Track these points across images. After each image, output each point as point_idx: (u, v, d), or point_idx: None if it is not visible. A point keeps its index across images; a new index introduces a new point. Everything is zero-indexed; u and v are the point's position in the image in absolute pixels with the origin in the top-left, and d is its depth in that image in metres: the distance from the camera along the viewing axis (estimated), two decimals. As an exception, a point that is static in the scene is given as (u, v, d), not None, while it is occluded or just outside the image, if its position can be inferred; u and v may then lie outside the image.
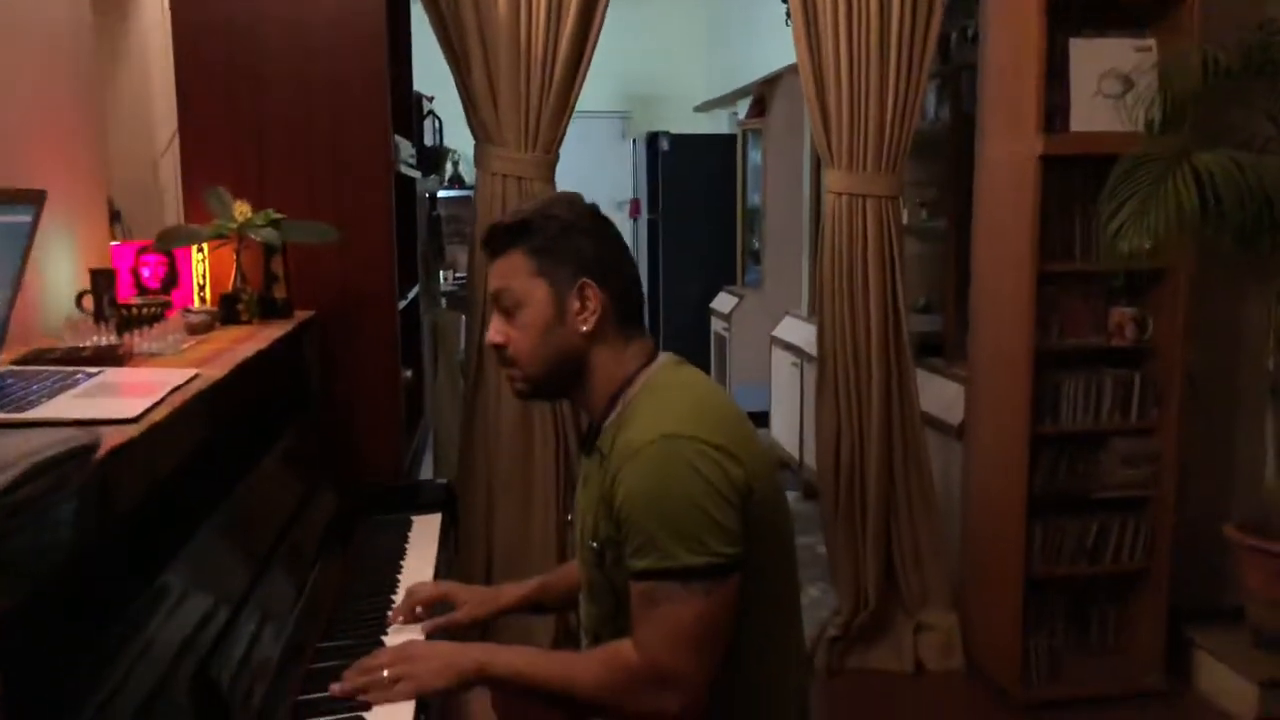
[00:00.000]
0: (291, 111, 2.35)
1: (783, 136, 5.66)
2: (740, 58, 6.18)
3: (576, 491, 1.56)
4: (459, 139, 4.07)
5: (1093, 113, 2.76)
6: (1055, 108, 2.76)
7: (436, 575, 1.88)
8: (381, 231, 2.41)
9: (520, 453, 2.97)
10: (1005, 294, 2.86)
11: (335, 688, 1.36)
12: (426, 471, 3.14)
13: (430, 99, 4.06)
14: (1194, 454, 2.98)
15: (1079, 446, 2.89)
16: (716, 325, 6.36)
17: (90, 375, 1.34)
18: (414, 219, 3.08)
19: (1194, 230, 2.44)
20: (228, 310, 2.10)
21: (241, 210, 2.10)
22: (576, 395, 1.49)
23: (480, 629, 1.79)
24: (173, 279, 2.13)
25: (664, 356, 1.49)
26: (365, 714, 1.33)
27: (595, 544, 1.41)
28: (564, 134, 2.92)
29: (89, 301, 1.76)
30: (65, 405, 1.18)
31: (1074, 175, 2.79)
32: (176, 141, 2.36)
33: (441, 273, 4.35)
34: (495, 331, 1.47)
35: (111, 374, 1.38)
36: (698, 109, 7.50)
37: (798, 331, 4.94)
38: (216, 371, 1.48)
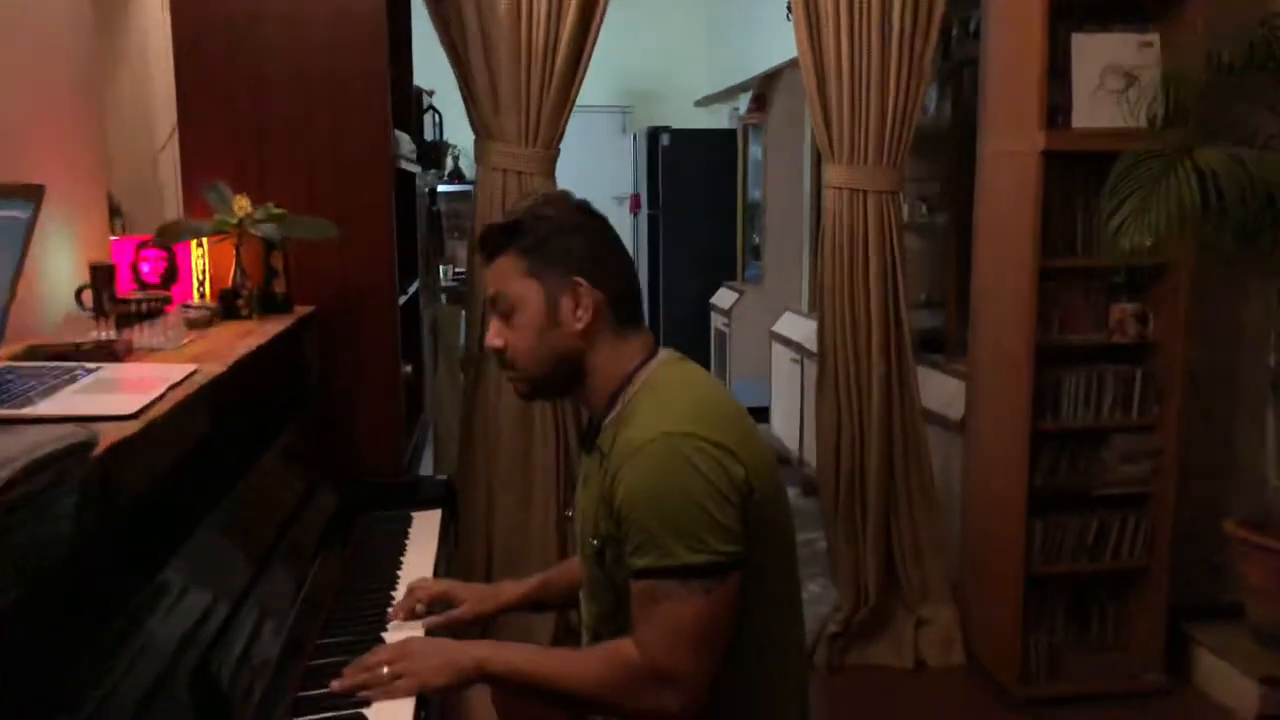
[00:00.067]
0: (291, 107, 2.34)
1: (783, 131, 5.66)
2: (741, 53, 6.17)
3: (577, 489, 1.55)
4: (459, 134, 4.06)
5: (1095, 108, 2.75)
6: (1057, 103, 2.75)
7: (436, 571, 1.88)
8: (381, 227, 2.41)
9: (520, 448, 2.97)
10: (1006, 290, 2.85)
11: (335, 684, 1.36)
12: (426, 467, 3.14)
13: (430, 94, 4.06)
14: (1195, 451, 2.98)
15: (1079, 443, 2.89)
16: (717, 321, 6.35)
17: (89, 371, 1.33)
18: (414, 214, 3.08)
19: (1195, 227, 2.43)
20: (227, 305, 2.09)
21: (241, 205, 2.09)
22: (577, 394, 1.49)
23: (481, 627, 1.78)
24: (172, 274, 2.12)
25: (664, 353, 1.49)
26: (365, 711, 1.33)
27: (595, 541, 1.41)
28: (564, 129, 2.91)
29: (88, 297, 1.75)
30: (64, 401, 1.18)
31: (1075, 171, 2.78)
32: (176, 136, 2.35)
33: (441, 268, 4.34)
34: (493, 335, 1.48)
35: (111, 369, 1.38)
36: (698, 104, 7.48)
37: (798, 327, 4.94)
38: (216, 367, 1.48)
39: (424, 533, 2.09)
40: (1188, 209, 2.37)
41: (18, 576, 0.89)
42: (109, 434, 1.05)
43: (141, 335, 1.65)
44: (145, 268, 2.09)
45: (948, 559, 3.14)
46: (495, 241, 1.46)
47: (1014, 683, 2.86)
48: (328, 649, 1.53)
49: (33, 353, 1.44)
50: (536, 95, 2.84)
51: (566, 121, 2.91)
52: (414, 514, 2.19)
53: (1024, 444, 2.78)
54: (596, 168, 7.19)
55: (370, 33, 2.36)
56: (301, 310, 2.23)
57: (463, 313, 3.63)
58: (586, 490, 1.47)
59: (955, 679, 3.05)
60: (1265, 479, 2.93)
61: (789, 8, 3.03)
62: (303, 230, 2.17)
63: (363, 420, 2.42)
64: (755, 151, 6.17)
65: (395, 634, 1.58)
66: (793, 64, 4.16)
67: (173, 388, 1.29)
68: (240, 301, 2.10)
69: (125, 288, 2.01)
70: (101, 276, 1.76)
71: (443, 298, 4.14)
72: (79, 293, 1.76)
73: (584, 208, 1.50)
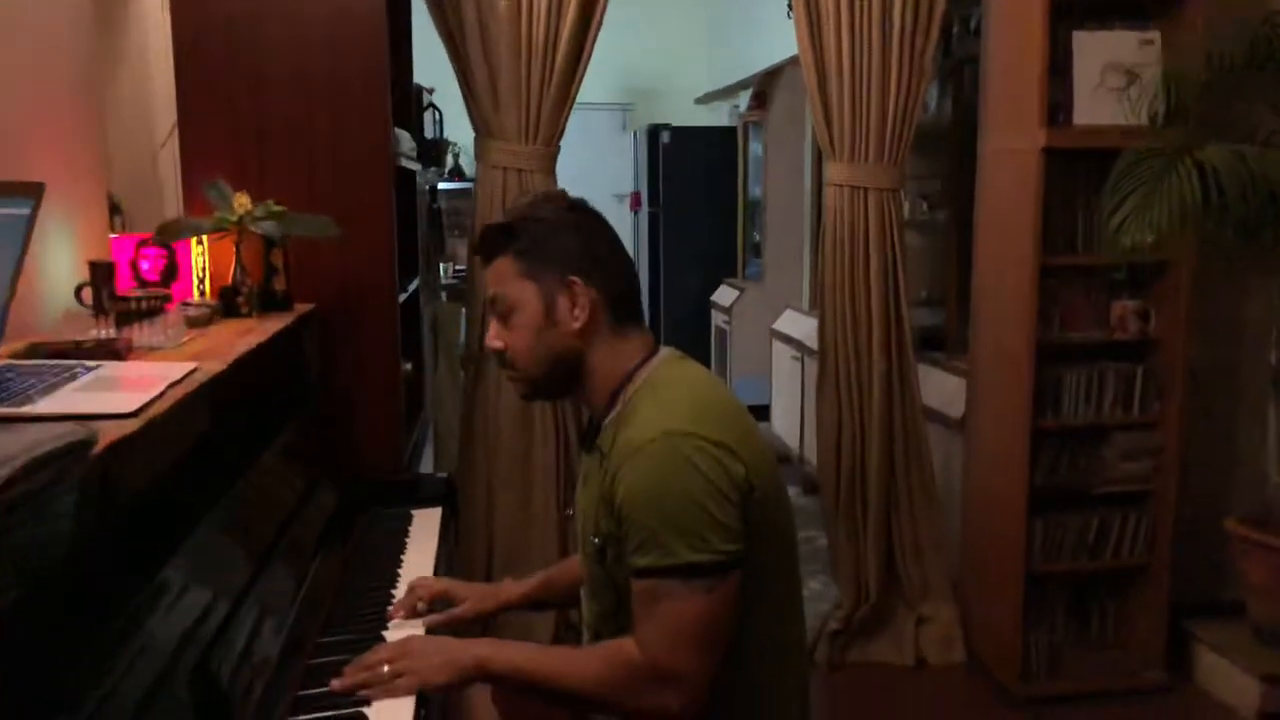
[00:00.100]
0: (291, 105, 2.34)
1: (784, 129, 5.65)
2: (741, 50, 6.17)
3: (577, 488, 1.55)
4: (459, 131, 4.06)
5: (1096, 106, 2.75)
6: (1058, 101, 2.75)
7: (437, 569, 1.88)
8: (382, 224, 2.41)
9: (520, 446, 2.96)
10: (1007, 287, 2.85)
11: (335, 683, 1.36)
12: (427, 465, 3.14)
13: (430, 91, 4.06)
14: (1195, 448, 2.97)
15: (1080, 441, 2.89)
16: (717, 318, 6.35)
17: (89, 369, 1.33)
18: (414, 212, 3.07)
19: (1197, 224, 2.43)
20: (227, 303, 2.09)
21: (241, 203, 2.09)
22: (577, 393, 1.49)
23: (481, 625, 1.78)
24: (172, 272, 2.12)
25: (664, 351, 1.48)
26: (366, 709, 1.33)
27: (596, 540, 1.41)
28: (564, 127, 2.90)
29: (88, 294, 1.75)
30: (64, 400, 1.17)
31: (1076, 168, 2.78)
32: (176, 133, 2.35)
33: (442, 265, 4.34)
34: (493, 336, 1.48)
35: (110, 367, 1.37)
36: (699, 101, 7.48)
37: (798, 325, 4.94)
38: (216, 365, 1.47)
39: (424, 531, 2.09)
40: (1189, 206, 2.37)
41: (18, 576, 0.89)
42: (109, 432, 1.05)
43: (141, 333, 1.65)
44: (145, 265, 2.09)
45: (948, 557, 3.14)
46: (491, 243, 1.47)
47: (1014, 681, 2.86)
48: (328, 647, 1.53)
49: (32, 350, 1.44)
50: (536, 92, 2.83)
51: (567, 119, 2.90)
52: (414, 512, 2.19)
53: (1024, 442, 2.78)
54: (597, 165, 7.18)
55: (370, 30, 2.35)
56: (302, 308, 2.23)
57: (463, 310, 3.63)
58: (587, 489, 1.47)
59: (955, 677, 3.05)
60: (1266, 476, 2.92)
61: (789, 5, 3.02)
62: (303, 228, 2.17)
63: (363, 418, 2.41)
64: (756, 149, 6.16)
65: (396, 632, 1.58)
66: (793, 61, 4.15)
67: (172, 386, 1.29)
68: (240, 299, 2.10)
69: (125, 285, 2.01)
70: (101, 274, 1.75)
71: (443, 295, 4.14)
72: (79, 290, 1.76)
73: (579, 207, 1.50)
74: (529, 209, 1.47)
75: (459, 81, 2.86)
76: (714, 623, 1.30)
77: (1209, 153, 2.41)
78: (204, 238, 2.16)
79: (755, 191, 6.19)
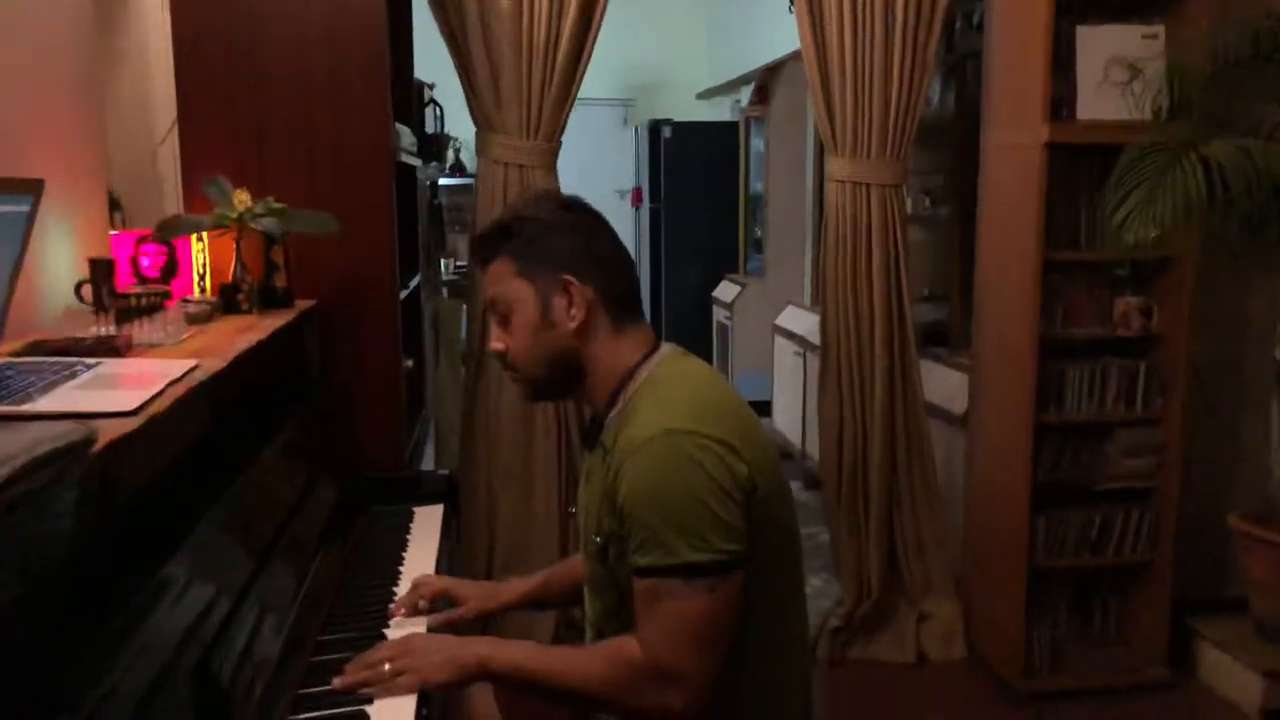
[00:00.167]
0: (291, 100, 2.33)
1: (785, 124, 5.64)
2: (743, 45, 6.15)
3: (579, 486, 1.55)
4: (460, 126, 4.05)
5: (1099, 101, 2.74)
6: (1061, 96, 2.74)
7: (438, 567, 1.88)
8: (382, 220, 2.40)
9: (522, 442, 2.96)
10: (1010, 283, 2.84)
11: (337, 682, 1.36)
12: (428, 462, 3.13)
13: (431, 86, 4.04)
14: (1198, 444, 2.97)
15: (1083, 437, 2.88)
16: (719, 314, 6.35)
17: (89, 367, 1.33)
18: (415, 207, 3.07)
19: (1201, 219, 2.42)
20: (228, 300, 2.08)
21: (241, 199, 2.08)
22: (579, 392, 1.49)
23: (482, 624, 1.78)
24: (172, 268, 2.11)
25: (666, 348, 1.48)
26: (367, 708, 1.32)
27: (598, 539, 1.41)
28: (566, 122, 2.90)
29: (88, 291, 1.74)
30: (64, 398, 1.17)
31: (1080, 164, 2.77)
32: (176, 130, 2.34)
33: (443, 261, 4.33)
34: (494, 339, 1.49)
35: (111, 365, 1.37)
36: (700, 96, 7.46)
37: (800, 320, 4.93)
38: (216, 362, 1.47)
39: (426, 528, 2.09)
40: (1194, 201, 2.36)
41: (18, 574, 0.88)
42: (109, 430, 1.05)
43: (141, 330, 1.64)
44: (145, 262, 2.08)
45: (950, 553, 3.13)
46: (488, 246, 1.47)
47: (1017, 677, 2.86)
48: (329, 645, 1.53)
49: (32, 348, 1.43)
50: (538, 88, 2.83)
51: (568, 114, 2.89)
52: (416, 509, 2.19)
53: (1027, 437, 2.77)
54: (598, 161, 7.18)
55: (370, 26, 2.34)
56: (302, 305, 2.22)
57: (464, 307, 3.63)
58: (589, 487, 1.46)
59: (957, 673, 3.05)
60: (1269, 472, 2.92)
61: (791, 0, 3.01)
62: (303, 224, 2.16)
63: (364, 415, 2.41)
64: (757, 144, 6.16)
65: (397, 630, 1.57)
66: (795, 56, 4.14)
67: (173, 384, 1.28)
68: (240, 296, 2.09)
69: (125, 282, 2.01)
70: (101, 271, 1.75)
71: (444, 291, 4.13)
72: (78, 287, 1.75)
73: (573, 205, 1.50)
74: (523, 209, 1.48)
75: (460, 78, 2.85)
76: (716, 622, 1.29)
77: (1213, 148, 2.40)
78: (204, 234, 2.16)
79: (757, 187, 6.18)
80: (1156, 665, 2.90)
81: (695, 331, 6.34)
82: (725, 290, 6.25)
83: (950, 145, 3.75)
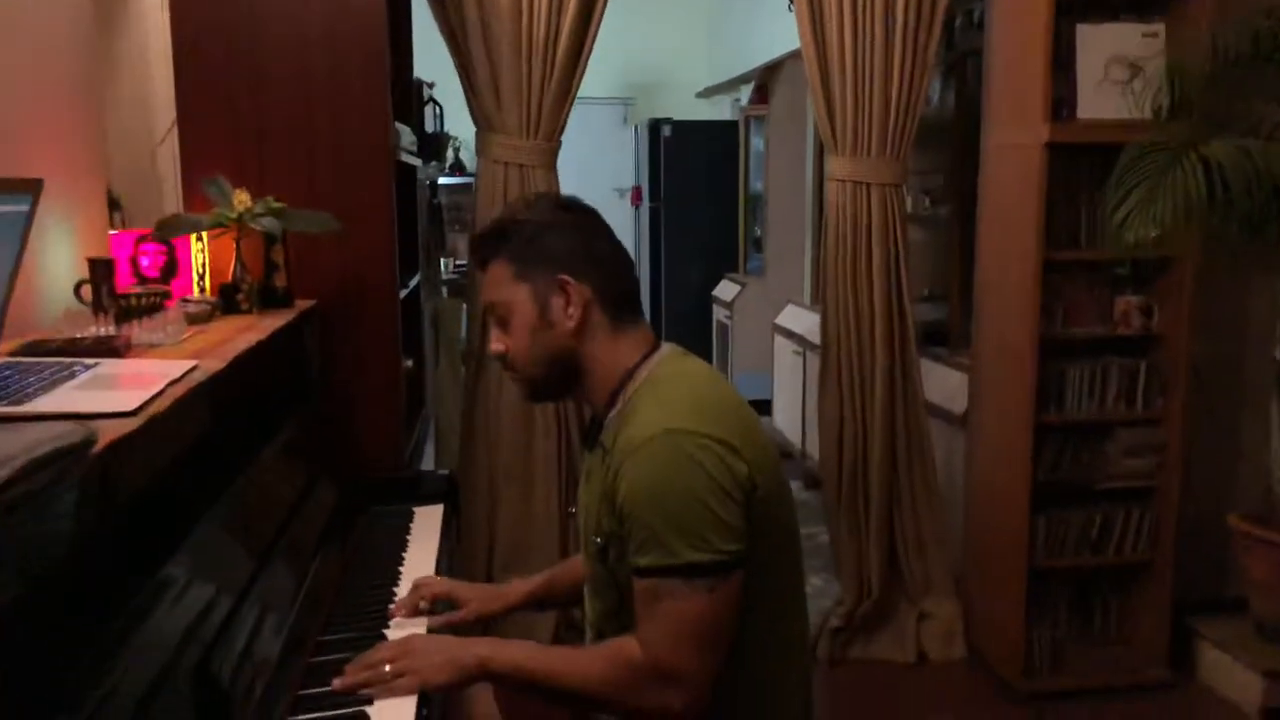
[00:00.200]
0: (291, 99, 2.33)
1: (785, 123, 5.64)
2: (742, 44, 6.15)
3: (579, 486, 1.55)
4: (460, 126, 4.04)
5: (1099, 100, 2.74)
6: (1062, 95, 2.74)
7: (438, 567, 1.87)
8: (382, 220, 2.40)
9: (522, 441, 2.96)
10: (1010, 282, 2.84)
11: (337, 683, 1.36)
12: (428, 462, 3.13)
13: (431, 85, 4.04)
14: (1198, 444, 2.97)
15: (1083, 436, 2.88)
16: (718, 313, 6.34)
17: (88, 367, 1.32)
18: (415, 207, 3.06)
19: (1201, 219, 2.42)
20: (228, 300, 2.08)
21: (241, 199, 2.08)
22: (579, 392, 1.49)
23: (483, 624, 1.78)
24: (172, 268, 2.11)
25: (666, 348, 1.48)
26: (367, 709, 1.32)
27: (599, 539, 1.41)
28: (566, 121, 2.89)
29: (87, 291, 1.74)
30: (63, 398, 1.17)
31: (1080, 163, 2.77)
32: (175, 130, 2.34)
33: (442, 261, 4.33)
34: (495, 342, 1.49)
35: (110, 365, 1.37)
36: (700, 95, 7.46)
37: (800, 319, 4.93)
38: (216, 363, 1.47)
39: (426, 528, 2.09)
40: (1194, 201, 2.35)
41: (18, 575, 0.88)
42: (108, 431, 1.04)
43: (141, 330, 1.64)
44: (145, 262, 2.08)
45: (950, 552, 3.13)
46: (484, 250, 1.48)
47: (1017, 677, 2.86)
48: (329, 646, 1.53)
49: (32, 348, 1.43)
50: (538, 87, 2.82)
51: (568, 113, 2.89)
52: (416, 509, 2.18)
53: (1027, 437, 2.77)
54: (598, 160, 7.18)
55: (370, 26, 2.34)
56: (302, 304, 2.22)
57: (464, 306, 3.62)
58: (589, 487, 1.46)
59: (957, 673, 3.05)
60: (1269, 472, 2.92)
61: (791, -2, 3.01)
62: (303, 224, 2.16)
63: (364, 415, 2.41)
64: (757, 143, 6.15)
65: (397, 631, 1.57)
66: (795, 55, 4.14)
67: (172, 384, 1.28)
68: (240, 296, 2.09)
69: (124, 282, 2.00)
70: (101, 271, 1.75)
71: (444, 291, 4.13)
72: (78, 287, 1.75)
73: (570, 205, 1.50)
74: (519, 211, 1.49)
75: (460, 77, 2.85)
76: (716, 622, 1.29)
77: (1214, 147, 2.40)
78: (204, 234, 2.16)
79: (756, 186, 6.18)
80: (1157, 665, 2.90)
81: (695, 331, 6.34)
82: (725, 289, 6.25)
83: (950, 144, 3.75)
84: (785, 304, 5.31)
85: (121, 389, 1.25)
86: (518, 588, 1.73)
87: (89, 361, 1.36)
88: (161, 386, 1.25)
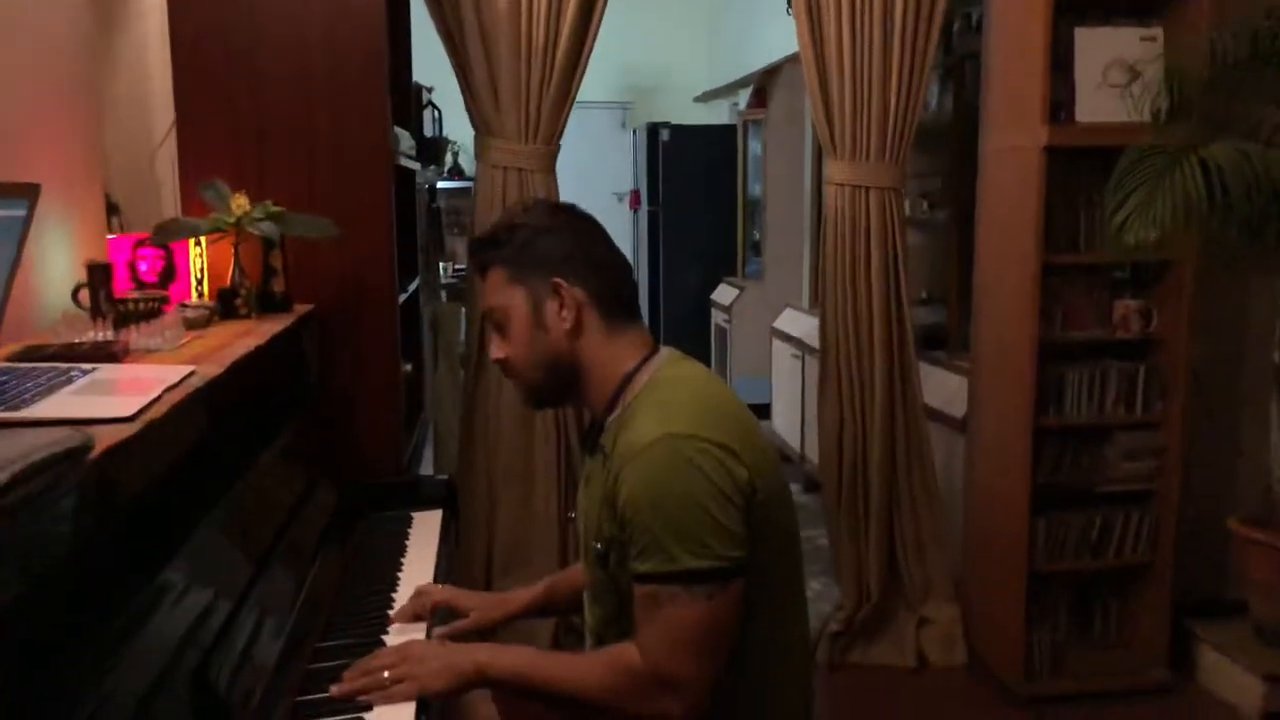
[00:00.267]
0: (290, 103, 2.33)
1: (783, 127, 5.64)
2: (741, 48, 6.15)
3: (579, 490, 1.54)
4: (459, 130, 4.04)
5: (1098, 103, 2.74)
6: (1060, 98, 2.74)
7: (437, 572, 1.87)
8: (381, 224, 2.40)
9: (521, 446, 2.95)
10: (1008, 286, 2.84)
11: (335, 689, 1.35)
12: (427, 466, 3.13)
13: (430, 90, 4.04)
14: (1198, 448, 2.96)
15: (1082, 440, 2.88)
16: (717, 317, 6.34)
17: (86, 372, 1.32)
18: (413, 211, 3.06)
19: (1200, 222, 2.42)
20: (226, 305, 2.08)
21: (239, 203, 2.08)
22: (579, 397, 1.49)
23: (484, 633, 1.77)
24: (170, 273, 2.11)
25: (665, 351, 1.48)
26: (366, 715, 1.32)
27: (599, 545, 1.40)
28: (564, 125, 2.89)
29: (85, 296, 1.74)
30: (60, 404, 1.16)
31: (1079, 166, 2.77)
32: (174, 133, 2.34)
33: (441, 265, 4.33)
34: (495, 349, 1.50)
35: (107, 371, 1.36)
36: (698, 100, 7.46)
37: (799, 323, 4.93)
38: (214, 368, 1.46)
39: (425, 533, 2.08)
40: (1193, 203, 2.35)
41: (15, 580, 0.88)
42: (106, 437, 1.04)
43: (139, 335, 1.64)
44: (143, 266, 2.08)
45: (950, 556, 3.13)
46: (482, 257, 1.49)
47: (1017, 680, 2.86)
48: (328, 651, 1.52)
49: (29, 353, 1.43)
50: (536, 91, 2.82)
51: (567, 117, 2.89)
52: (414, 514, 2.18)
53: (1027, 441, 2.77)
54: (596, 164, 7.18)
55: (369, 29, 2.34)
56: (301, 309, 2.22)
57: (463, 310, 3.62)
58: (589, 492, 1.46)
59: (957, 677, 3.04)
60: (1269, 474, 2.91)
61: (789, 2, 3.01)
62: (301, 228, 2.16)
63: (362, 419, 2.40)
64: (755, 147, 6.15)
65: (396, 636, 1.56)
66: (793, 59, 4.15)
67: (170, 389, 1.28)
68: (239, 301, 2.08)
69: (122, 287, 2.00)
70: (98, 276, 1.74)
71: (443, 295, 4.13)
72: (76, 292, 1.75)
73: (565, 209, 1.51)
74: (515, 216, 1.50)
75: (458, 81, 2.85)
76: (716, 628, 1.29)
77: (1213, 150, 2.40)
78: (202, 239, 2.15)
79: (755, 189, 6.18)
80: (1156, 668, 2.90)
81: (693, 334, 6.34)
82: (723, 293, 6.25)
83: (949, 148, 3.75)
84: (784, 308, 5.31)
85: (119, 394, 1.25)
86: (519, 596, 1.73)
87: (86, 367, 1.35)
88: (159, 392, 1.25)
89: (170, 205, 2.45)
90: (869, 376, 3.01)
